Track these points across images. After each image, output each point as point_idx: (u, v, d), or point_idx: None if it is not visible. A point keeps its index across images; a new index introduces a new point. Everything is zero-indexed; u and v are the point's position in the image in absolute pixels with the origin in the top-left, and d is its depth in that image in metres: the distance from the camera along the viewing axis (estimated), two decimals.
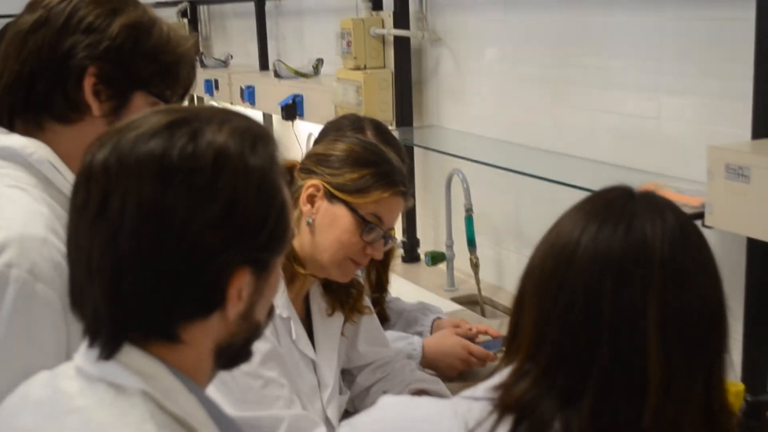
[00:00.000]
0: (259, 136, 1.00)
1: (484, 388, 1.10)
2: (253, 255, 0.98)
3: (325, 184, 1.72)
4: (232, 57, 4.80)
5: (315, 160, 1.77)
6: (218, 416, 1.01)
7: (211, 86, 4.61)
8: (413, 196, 2.50)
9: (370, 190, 1.72)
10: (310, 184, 1.73)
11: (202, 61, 4.66)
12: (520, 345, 1.09)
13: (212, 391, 1.10)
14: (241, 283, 0.97)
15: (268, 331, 1.59)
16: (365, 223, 1.71)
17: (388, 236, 1.78)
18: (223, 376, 1.06)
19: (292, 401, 1.67)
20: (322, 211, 1.73)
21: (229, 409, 1.50)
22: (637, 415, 1.02)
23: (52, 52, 1.30)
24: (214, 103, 4.62)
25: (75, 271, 0.98)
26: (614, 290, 1.03)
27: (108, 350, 0.95)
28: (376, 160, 1.75)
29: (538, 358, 1.06)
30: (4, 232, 1.19)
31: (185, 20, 5.13)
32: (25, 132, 1.32)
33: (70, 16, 1.31)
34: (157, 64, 1.36)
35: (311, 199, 1.73)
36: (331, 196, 1.72)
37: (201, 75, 4.50)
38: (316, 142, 2.20)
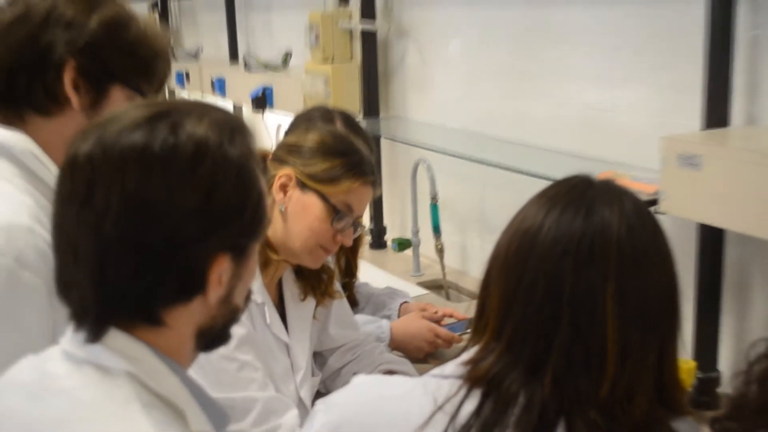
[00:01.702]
0: (237, 128, 1.01)
1: (452, 367, 1.13)
2: (233, 241, 0.99)
3: (297, 174, 1.73)
4: (202, 49, 4.77)
5: (287, 150, 1.78)
6: (200, 396, 1.02)
7: (182, 78, 4.58)
8: (380, 184, 2.50)
9: (340, 179, 1.73)
10: (283, 174, 1.74)
11: (173, 54, 4.62)
12: (487, 324, 1.11)
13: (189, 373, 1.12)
14: (221, 269, 0.98)
15: (243, 317, 1.60)
16: (336, 212, 1.73)
17: (357, 224, 1.79)
18: (199, 359, 1.07)
19: (266, 384, 1.68)
20: (294, 199, 1.74)
21: None
22: (595, 386, 1.05)
23: (32, 46, 1.30)
24: (185, 95, 4.59)
25: (61, 259, 0.98)
26: (574, 270, 1.06)
27: (94, 334, 0.96)
28: (347, 150, 1.76)
29: (503, 335, 1.09)
30: None
31: (156, 13, 5.09)
32: (7, 124, 1.31)
33: (50, 12, 1.31)
34: (135, 59, 1.36)
35: (283, 188, 1.74)
36: (302, 185, 1.73)
37: (172, 67, 4.46)
38: (287, 133, 2.20)
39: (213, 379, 1.58)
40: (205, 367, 1.57)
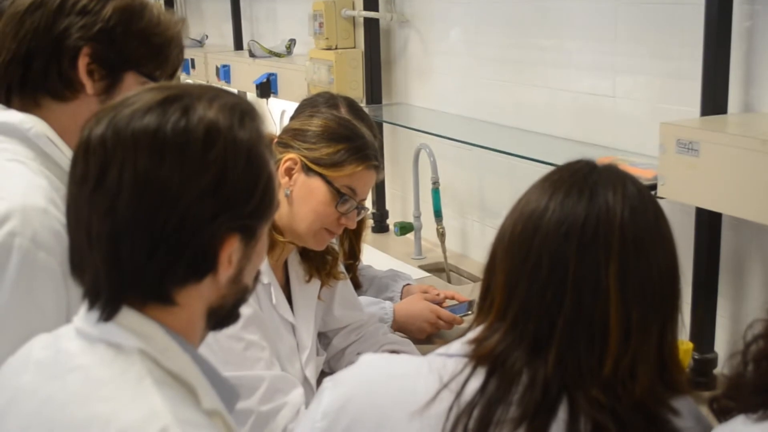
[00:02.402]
0: (247, 112, 1.01)
1: (457, 345, 1.13)
2: (242, 222, 0.99)
3: (302, 158, 1.73)
4: (207, 37, 4.75)
5: (292, 135, 1.77)
6: (211, 373, 1.02)
7: (188, 65, 4.56)
8: (383, 169, 2.50)
9: (344, 163, 1.73)
10: (288, 158, 1.73)
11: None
12: (492, 303, 1.12)
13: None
14: (231, 249, 0.98)
15: (249, 297, 1.60)
16: (340, 195, 1.72)
17: (361, 207, 1.79)
18: (207, 338, 1.07)
19: (272, 363, 1.68)
20: (299, 183, 1.73)
21: None
22: (599, 363, 1.05)
23: (48, 33, 1.30)
24: (190, 82, 4.58)
25: (75, 239, 0.98)
26: (578, 251, 1.06)
27: (107, 312, 0.96)
28: (351, 135, 1.76)
29: (508, 315, 1.09)
30: (6, 204, 1.19)
31: (162, 1, 5.07)
32: (23, 108, 1.31)
33: None
34: (148, 46, 1.36)
35: (289, 172, 1.74)
36: (307, 170, 1.73)
37: None
38: (292, 118, 2.20)
39: (220, 358, 1.58)
40: (213, 347, 1.57)
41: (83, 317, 0.99)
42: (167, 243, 0.94)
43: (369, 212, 1.86)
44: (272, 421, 1.61)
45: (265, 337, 1.69)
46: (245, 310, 1.61)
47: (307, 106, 2.19)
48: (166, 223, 0.93)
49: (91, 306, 0.98)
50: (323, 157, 1.72)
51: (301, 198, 1.74)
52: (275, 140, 1.77)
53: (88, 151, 0.96)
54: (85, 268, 0.97)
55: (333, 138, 1.74)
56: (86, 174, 0.95)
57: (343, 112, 2.11)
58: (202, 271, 0.98)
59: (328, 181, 1.72)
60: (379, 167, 1.79)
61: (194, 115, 0.95)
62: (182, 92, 0.99)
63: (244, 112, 1.00)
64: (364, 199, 1.80)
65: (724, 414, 1.06)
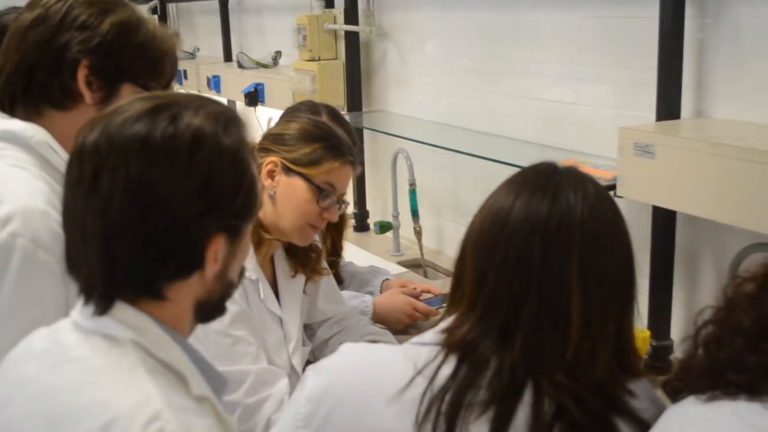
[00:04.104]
0: (231, 119, 1.01)
1: (430, 335, 1.13)
2: (227, 222, 0.99)
3: (283, 160, 1.73)
4: (198, 50, 4.73)
5: (272, 140, 1.77)
6: (200, 362, 1.02)
7: (181, 76, 4.54)
8: (362, 165, 2.49)
9: (321, 161, 1.73)
10: (269, 161, 1.73)
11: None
12: (462, 295, 1.12)
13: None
14: (217, 247, 0.98)
15: (237, 295, 1.59)
16: (320, 191, 1.72)
17: (341, 201, 1.79)
18: (197, 334, 1.07)
19: (259, 356, 1.68)
20: (281, 184, 1.73)
21: None
22: (561, 349, 1.06)
23: (49, 47, 1.30)
24: (183, 91, 4.55)
25: (71, 239, 0.98)
26: (542, 247, 1.06)
27: (102, 307, 0.96)
28: (325, 135, 1.76)
29: (477, 305, 1.09)
30: (8, 206, 1.19)
31: (155, 17, 5.04)
32: (26, 117, 1.31)
33: (65, 15, 1.31)
34: (144, 59, 1.36)
35: (271, 174, 1.73)
36: (288, 170, 1.73)
37: None
38: (276, 125, 2.20)
39: (211, 353, 1.55)
40: (203, 342, 1.55)
41: (80, 311, 0.99)
42: (157, 242, 0.94)
43: (348, 204, 1.85)
44: (258, 412, 1.61)
45: (252, 332, 1.68)
46: (232, 308, 1.62)
47: (290, 114, 2.19)
48: (155, 223, 0.93)
49: (87, 301, 0.97)
50: (302, 157, 1.72)
51: (284, 197, 1.73)
52: (257, 146, 1.77)
53: (82, 156, 0.95)
54: (81, 265, 0.97)
55: (309, 138, 1.74)
56: (81, 177, 0.95)
57: (325, 119, 2.11)
58: (189, 267, 0.98)
59: (308, 179, 1.72)
60: (354, 163, 1.79)
61: (182, 123, 0.95)
62: (171, 101, 0.98)
63: (228, 120, 1.00)
64: (344, 193, 1.80)
65: (676, 394, 1.06)
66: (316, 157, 1.72)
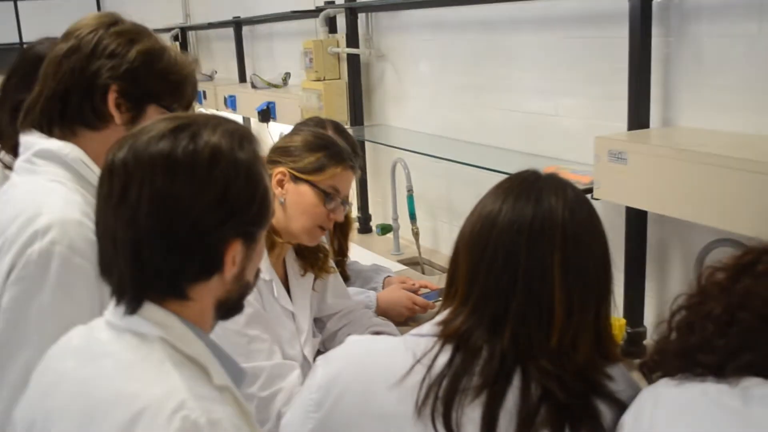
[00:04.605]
0: (245, 136, 1.01)
1: (428, 327, 1.13)
2: (244, 229, 0.98)
3: (290, 170, 1.73)
4: (216, 72, 4.74)
5: (279, 152, 1.77)
6: (221, 355, 1.02)
7: (201, 96, 4.54)
8: (362, 171, 2.48)
9: (325, 168, 1.73)
10: (278, 172, 1.73)
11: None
12: (456, 291, 1.12)
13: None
14: (235, 252, 0.98)
15: (252, 297, 1.59)
16: (326, 195, 1.72)
17: (345, 202, 1.79)
18: (216, 334, 1.07)
19: (272, 352, 1.67)
20: (290, 191, 1.73)
21: None
22: (546, 338, 1.05)
23: (82, 73, 1.31)
24: (203, 110, 4.56)
25: (103, 246, 0.98)
26: (527, 246, 1.06)
27: (132, 307, 0.96)
28: (326, 144, 1.76)
29: (470, 300, 1.09)
30: (47, 217, 1.20)
31: (177, 43, 5.04)
32: (62, 137, 1.32)
33: (96, 45, 1.32)
34: (167, 83, 1.36)
35: (280, 183, 1.73)
36: (295, 179, 1.73)
37: None
38: (281, 139, 2.19)
39: (229, 351, 1.57)
40: (222, 340, 1.55)
41: (112, 311, 0.99)
42: (180, 248, 0.94)
43: (351, 204, 1.85)
44: (271, 404, 1.61)
45: (266, 329, 1.68)
46: (247, 310, 1.60)
47: (296, 129, 2.18)
48: (179, 232, 0.93)
49: (118, 302, 0.97)
50: (307, 166, 1.72)
51: (294, 203, 1.73)
52: (265, 159, 1.76)
53: (112, 172, 0.95)
54: (113, 270, 0.97)
55: (312, 148, 1.74)
56: (111, 191, 0.95)
57: (330, 133, 2.10)
58: (210, 270, 0.97)
59: (314, 185, 1.72)
60: (354, 167, 1.79)
61: (201, 140, 0.95)
62: (190, 121, 0.98)
63: (242, 136, 1.00)
64: (347, 195, 1.80)
65: (651, 373, 1.06)
66: (320, 165, 1.72)
